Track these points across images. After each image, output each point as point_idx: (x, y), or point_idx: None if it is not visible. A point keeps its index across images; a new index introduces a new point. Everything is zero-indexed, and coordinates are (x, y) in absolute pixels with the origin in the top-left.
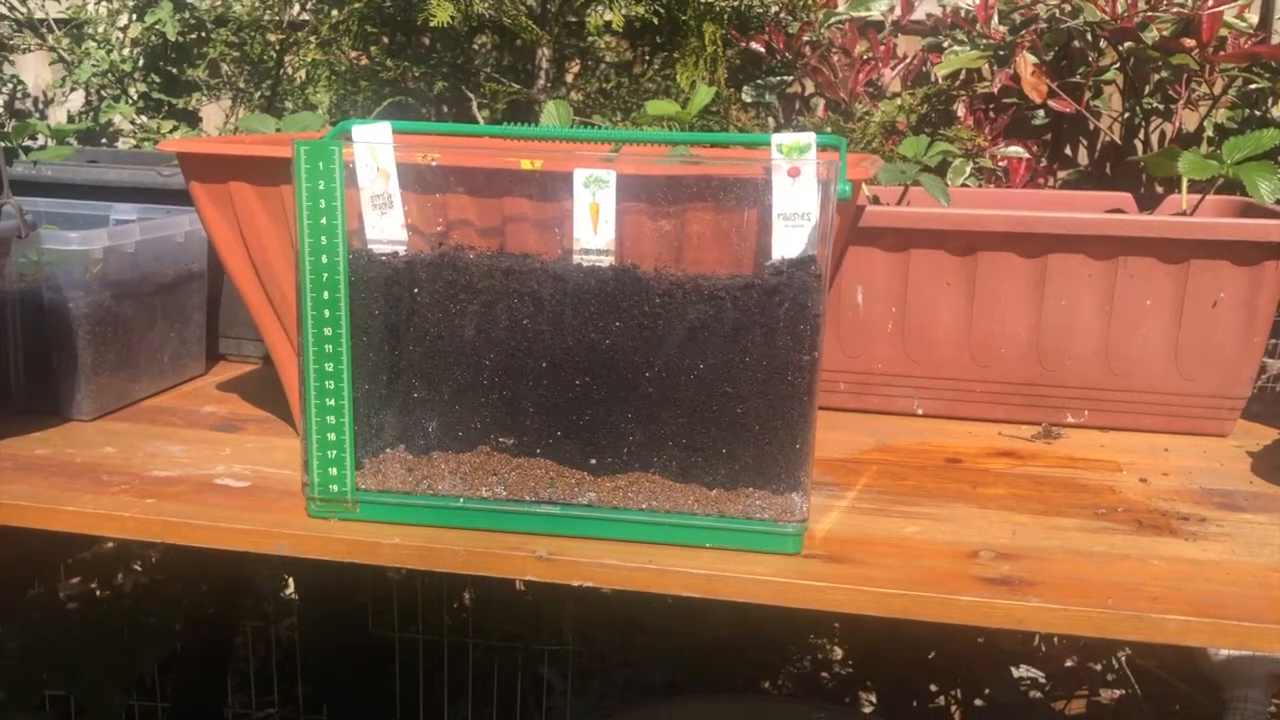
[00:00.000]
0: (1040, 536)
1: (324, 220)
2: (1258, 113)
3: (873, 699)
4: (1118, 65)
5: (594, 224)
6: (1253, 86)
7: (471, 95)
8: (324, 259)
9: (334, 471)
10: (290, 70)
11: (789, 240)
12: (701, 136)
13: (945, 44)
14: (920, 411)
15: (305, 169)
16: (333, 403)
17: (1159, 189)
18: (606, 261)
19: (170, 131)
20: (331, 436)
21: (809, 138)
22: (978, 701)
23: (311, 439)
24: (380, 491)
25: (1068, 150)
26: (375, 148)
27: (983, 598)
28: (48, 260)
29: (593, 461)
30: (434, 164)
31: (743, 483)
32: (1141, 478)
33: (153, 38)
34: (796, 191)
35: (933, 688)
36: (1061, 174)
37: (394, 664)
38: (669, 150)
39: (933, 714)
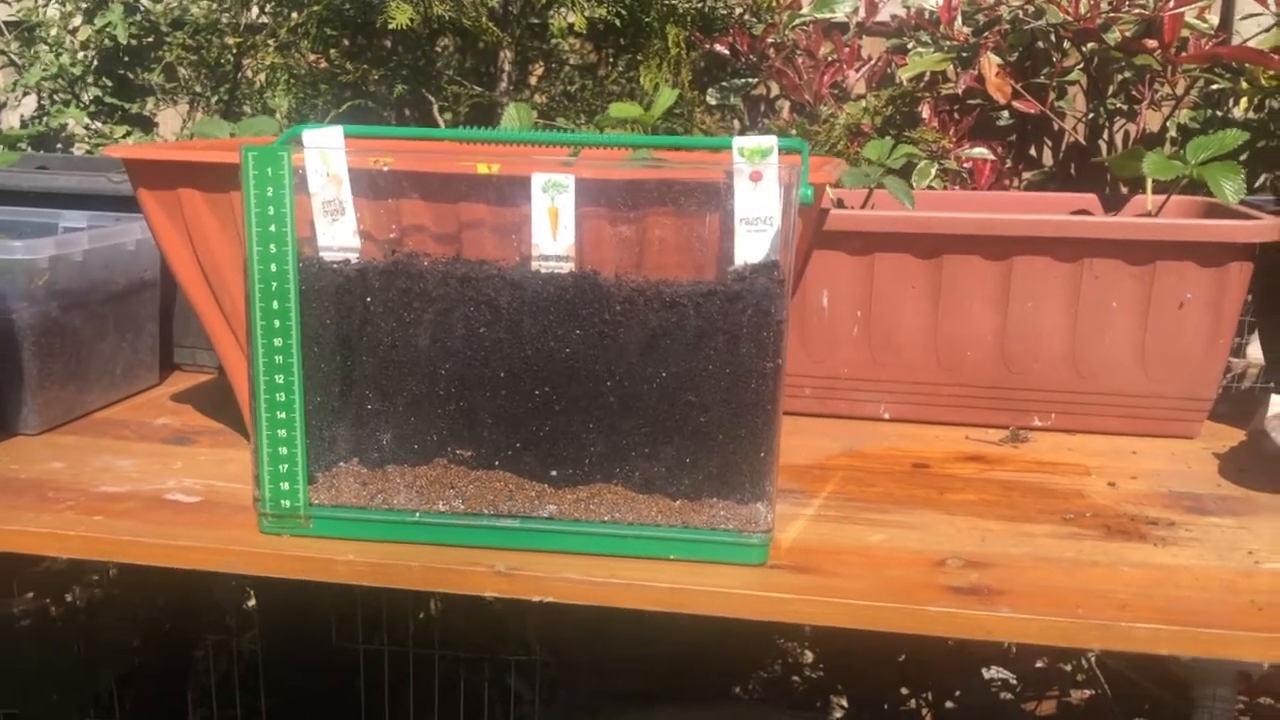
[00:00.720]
0: (1009, 543)
1: (273, 228)
2: (1219, 113)
3: (844, 703)
4: (1081, 66)
5: (553, 230)
6: (1214, 87)
7: (433, 98)
8: (273, 267)
9: (286, 486)
10: (249, 74)
11: (751, 245)
12: (662, 140)
13: (910, 46)
14: (887, 416)
15: (254, 175)
16: (283, 415)
17: (1124, 190)
18: (566, 268)
19: (123, 137)
20: (283, 450)
21: (770, 141)
22: (949, 704)
23: (262, 453)
24: (334, 506)
25: (1032, 151)
26: (326, 153)
27: (951, 608)
28: None
29: (553, 473)
30: (386, 169)
31: (707, 493)
32: (1110, 481)
33: (105, 40)
34: (758, 196)
35: (904, 691)
36: (1026, 175)
37: (358, 676)
38: (630, 154)
39: (904, 717)
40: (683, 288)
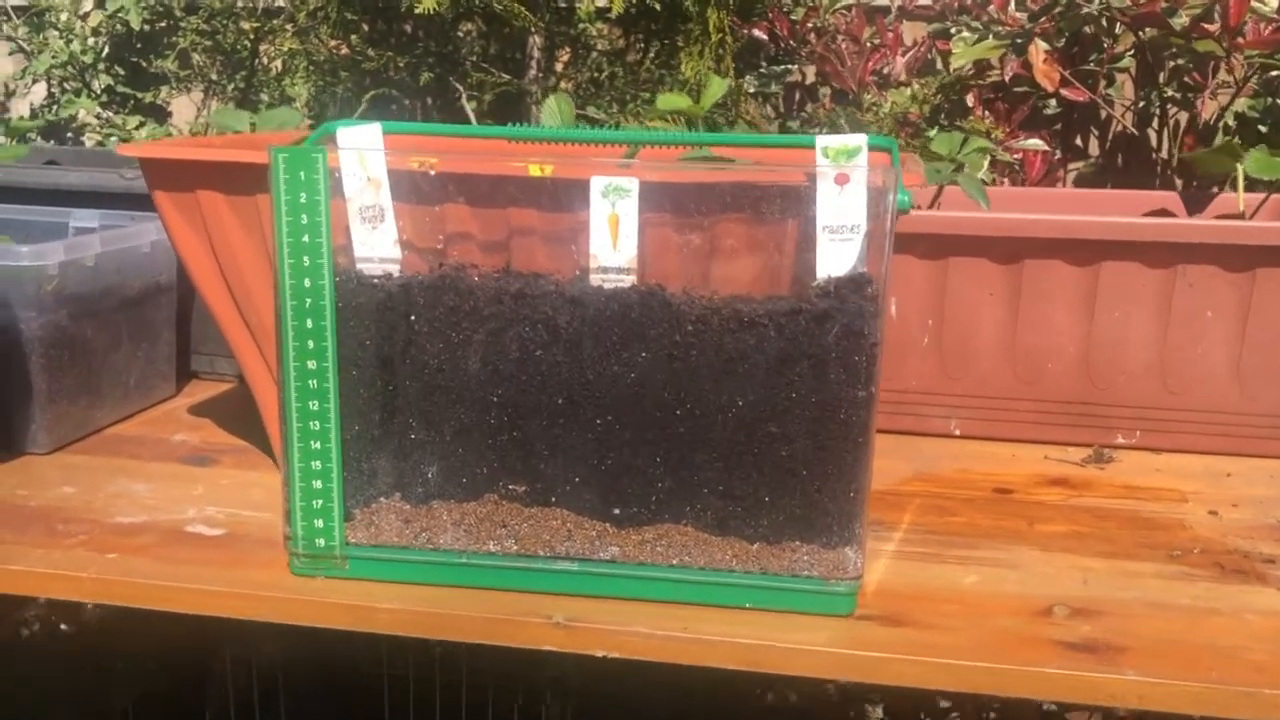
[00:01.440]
0: (1114, 586)
1: (306, 238)
2: (1279, 100)
3: (879, 712)
4: (1133, 52)
5: (613, 239)
6: (1274, 74)
7: (459, 86)
8: (307, 282)
9: (320, 523)
10: (266, 61)
11: (835, 256)
12: (734, 138)
13: (954, 31)
14: (957, 432)
15: (284, 180)
16: (318, 446)
17: (1177, 183)
18: (628, 281)
19: (136, 128)
20: (317, 484)
21: (859, 140)
22: (988, 715)
23: (294, 487)
24: (373, 546)
25: (1078, 141)
26: (364, 154)
27: (1069, 669)
28: None
29: (616, 512)
30: (432, 172)
31: (788, 535)
32: (1210, 509)
33: (116, 26)
34: (844, 201)
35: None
36: (1074, 166)
37: (383, 702)
38: (684, 153)
39: None
40: (762, 305)
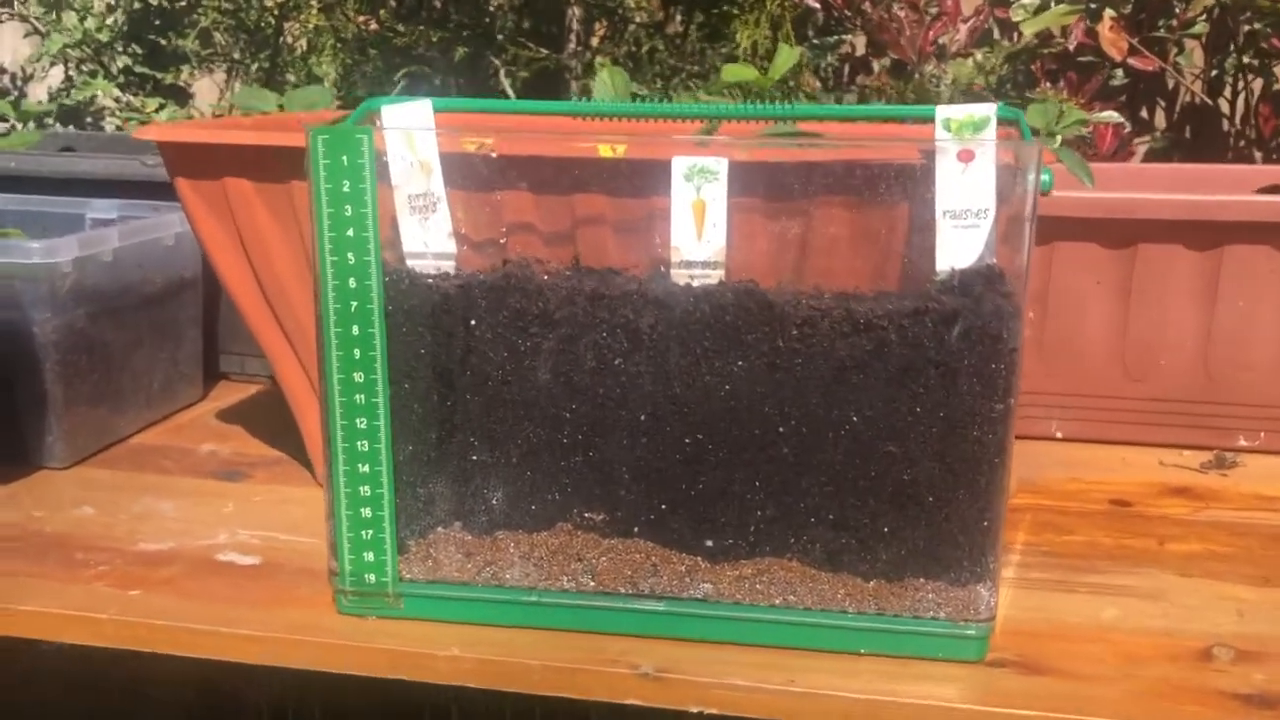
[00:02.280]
0: (1277, 620)
1: (350, 232)
2: None
3: None
4: (1204, 16)
5: (698, 228)
6: None
7: (495, 61)
8: (351, 283)
9: (370, 557)
10: (290, 39)
11: (960, 245)
12: (839, 110)
13: None
14: (1059, 435)
15: (324, 165)
16: (367, 469)
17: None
18: (715, 276)
19: (156, 111)
20: (366, 513)
21: (987, 110)
22: None
23: (340, 516)
24: (431, 582)
25: (1143, 113)
26: (412, 134)
27: None
28: (5, 276)
29: (709, 544)
30: (493, 155)
31: (910, 571)
32: None
33: (134, 3)
34: (969, 181)
35: None
36: (1141, 140)
37: None
38: (765, 128)
39: None
40: (879, 305)
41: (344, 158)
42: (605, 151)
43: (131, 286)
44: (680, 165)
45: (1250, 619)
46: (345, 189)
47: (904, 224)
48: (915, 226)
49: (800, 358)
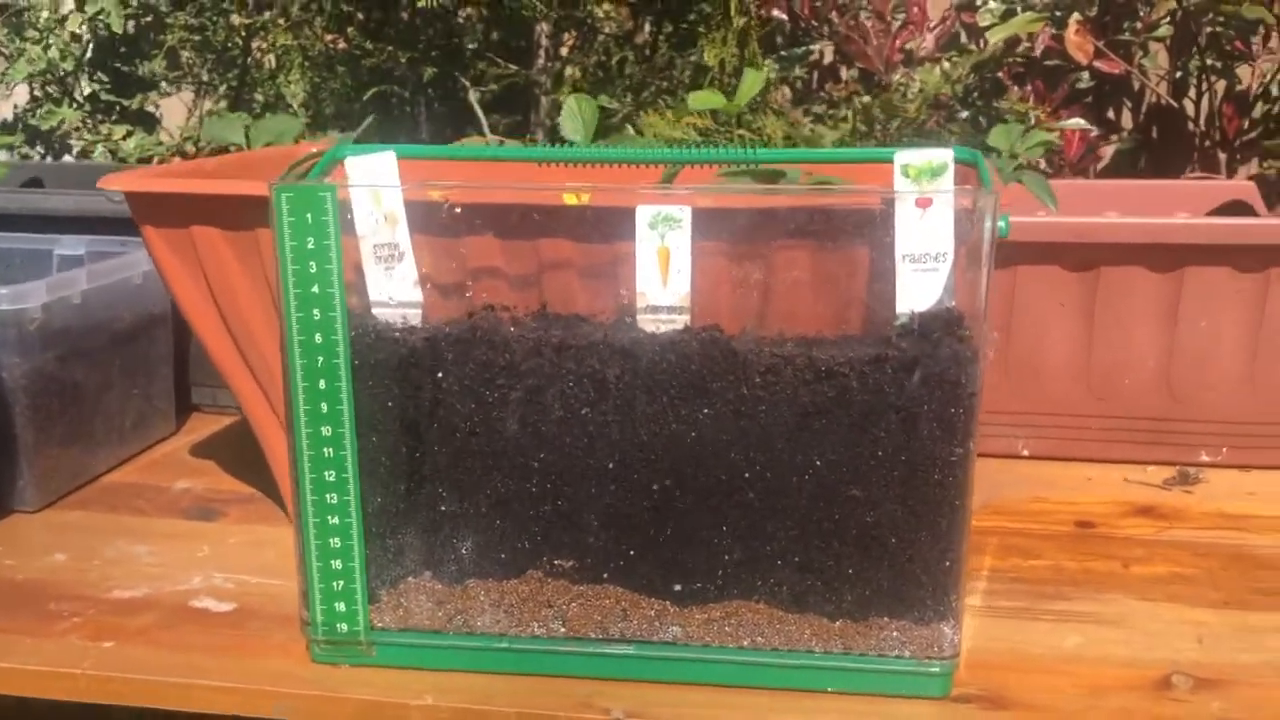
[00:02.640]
0: (1236, 647)
1: (316, 288)
2: None
3: None
4: (1168, 19)
5: (663, 274)
6: None
7: (466, 82)
8: (318, 338)
9: (342, 607)
10: (259, 57)
11: (919, 289)
12: (799, 154)
13: (980, 3)
14: (1026, 453)
15: (288, 222)
16: (336, 521)
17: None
18: (681, 320)
19: (123, 138)
20: (336, 563)
21: (944, 155)
22: None
23: (311, 566)
24: (403, 630)
25: (1109, 114)
26: (379, 191)
27: None
28: None
29: (677, 588)
30: (458, 210)
31: (875, 611)
32: None
33: (98, 29)
34: (927, 225)
35: None
36: (1109, 142)
37: None
38: (720, 170)
39: None
40: (840, 352)
41: (308, 215)
42: (570, 200)
43: (101, 326)
44: (645, 214)
45: (1209, 645)
46: (310, 245)
47: (865, 267)
48: (876, 270)
49: (764, 405)
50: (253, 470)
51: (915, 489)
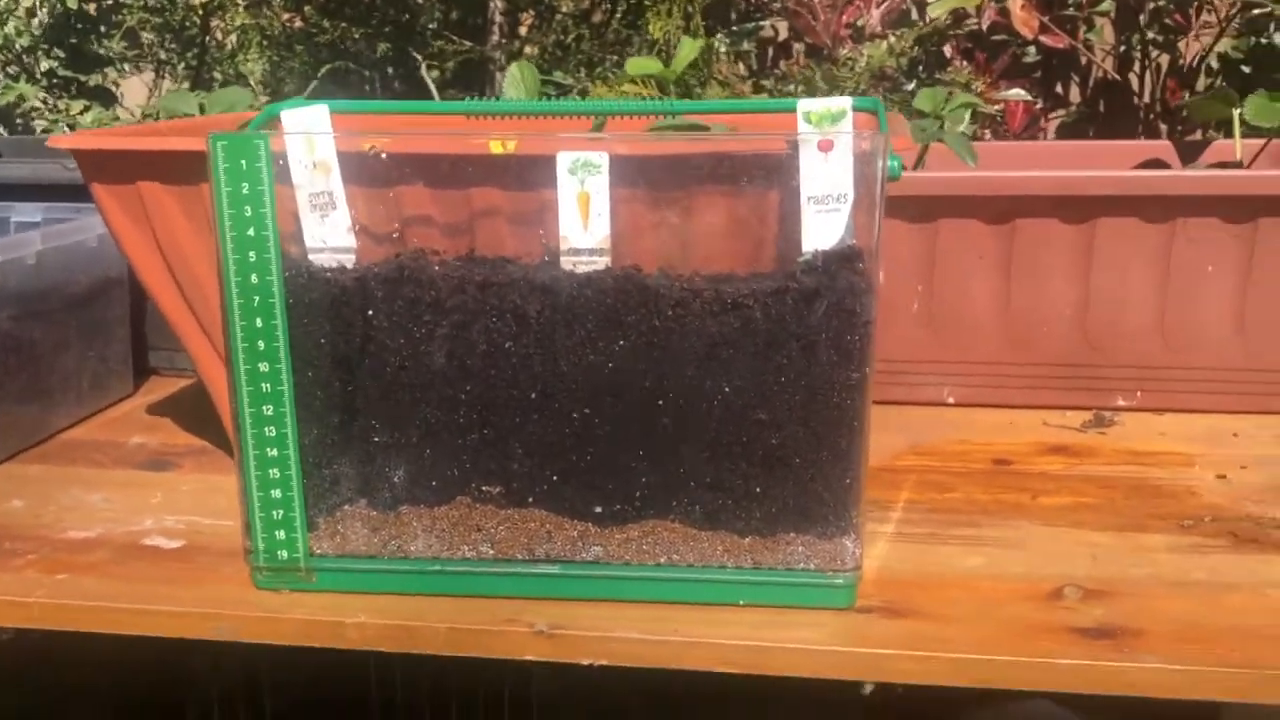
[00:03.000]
0: (1126, 562)
1: (251, 231)
2: (1263, 40)
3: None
4: None
5: (584, 218)
6: (1256, 12)
7: (418, 57)
8: (254, 278)
9: (282, 535)
10: (218, 36)
11: (822, 228)
12: (712, 105)
13: None
14: (951, 401)
15: (224, 169)
16: (275, 453)
17: (1161, 128)
18: (601, 263)
19: (81, 113)
20: (276, 493)
21: (843, 103)
22: None
23: (252, 497)
24: (340, 556)
25: (1058, 89)
26: (312, 137)
27: (1084, 659)
28: None
29: (598, 510)
30: (384, 156)
31: (781, 527)
32: (1219, 474)
33: (57, 5)
34: (830, 169)
35: None
36: (1055, 115)
37: (369, 688)
38: (654, 122)
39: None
40: (746, 285)
41: (243, 161)
42: (496, 148)
43: (57, 288)
44: (564, 159)
45: (1103, 563)
46: (245, 190)
47: (774, 210)
48: (784, 213)
49: (675, 336)
50: (206, 426)
51: (816, 411)
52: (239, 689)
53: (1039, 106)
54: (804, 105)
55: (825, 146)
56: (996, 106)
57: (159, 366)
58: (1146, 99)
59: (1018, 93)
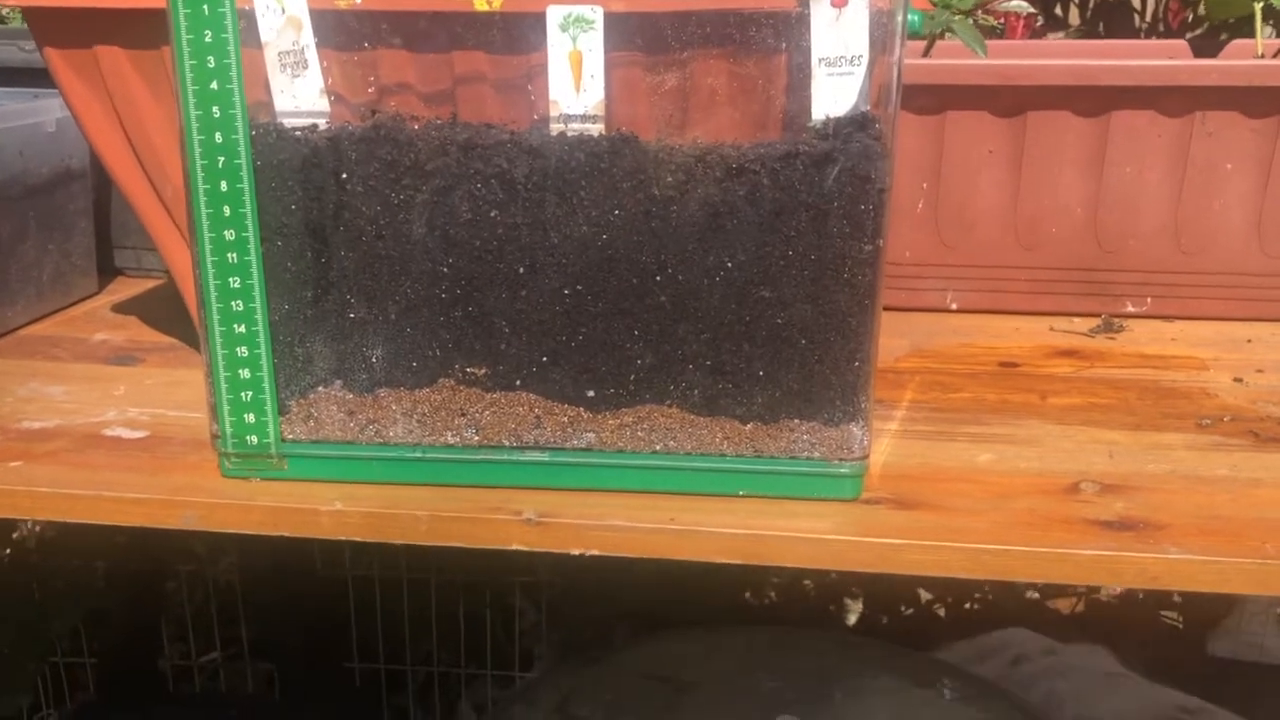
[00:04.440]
0: (1144, 459)
1: (215, 85)
2: None
3: (860, 606)
4: None
5: (576, 81)
6: None
7: None
8: (218, 137)
9: (251, 418)
10: None
11: (835, 92)
12: None
13: None
14: (954, 306)
15: (185, 16)
16: (242, 329)
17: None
18: (595, 130)
19: None
20: (244, 373)
21: None
22: (969, 605)
23: (219, 377)
24: (314, 442)
25: (1058, 11)
26: None
27: (1108, 549)
28: None
29: (590, 393)
30: (357, 3)
31: (785, 413)
32: (1236, 376)
33: None
34: (842, 28)
35: (921, 592)
36: (1055, 35)
37: (348, 602)
38: None
39: (922, 619)
40: (752, 150)
41: (205, 7)
42: (480, 4)
43: (15, 177)
44: (555, 15)
45: (1119, 459)
46: (207, 39)
47: (782, 74)
48: (794, 77)
49: (675, 205)
50: (175, 324)
51: (825, 288)
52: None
53: (1040, 23)
54: None
55: (839, 2)
56: (999, 20)
57: (126, 267)
58: (1149, 20)
59: (1020, 4)
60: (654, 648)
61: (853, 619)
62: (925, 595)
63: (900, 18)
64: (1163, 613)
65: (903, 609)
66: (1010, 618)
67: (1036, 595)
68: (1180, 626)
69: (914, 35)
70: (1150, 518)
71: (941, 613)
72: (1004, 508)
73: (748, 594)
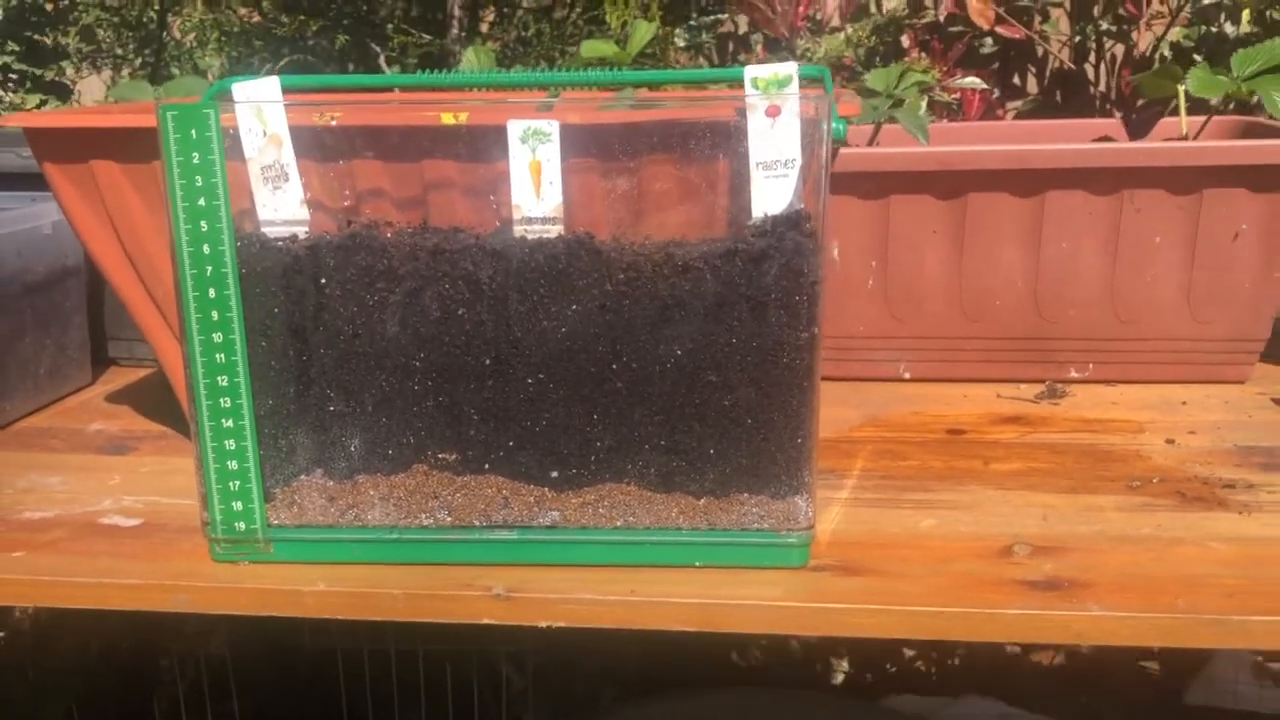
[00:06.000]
0: (1075, 521)
1: (202, 201)
2: (1213, 29)
3: (845, 666)
4: None
5: (536, 187)
6: (1206, 1)
7: (378, 49)
8: (206, 249)
9: (239, 506)
10: (176, 33)
11: (771, 193)
12: (660, 75)
13: None
14: (908, 376)
15: (175, 140)
16: (230, 423)
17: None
18: (555, 230)
19: (37, 106)
20: (232, 464)
21: (789, 69)
22: (953, 661)
23: (209, 468)
24: (298, 527)
25: (1016, 80)
26: (261, 109)
27: (1033, 609)
28: None
29: (554, 474)
30: (334, 123)
31: (735, 488)
32: (1168, 438)
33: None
34: (777, 134)
35: (907, 650)
36: (1013, 105)
37: (338, 675)
38: (612, 96)
39: (909, 677)
40: (696, 249)
41: (193, 131)
42: (448, 119)
43: (13, 276)
44: (516, 129)
45: (1054, 522)
46: (195, 160)
47: (723, 177)
48: (733, 179)
49: (627, 299)
50: (166, 413)
51: (766, 372)
52: (206, 683)
53: (995, 96)
54: (751, 71)
55: (772, 112)
56: (954, 96)
57: (118, 357)
58: (1102, 88)
59: (973, 81)
60: (640, 711)
61: (839, 678)
62: (909, 652)
63: (825, 125)
64: (1141, 662)
65: (888, 666)
66: (992, 673)
67: (1018, 649)
68: (1156, 675)
69: (839, 142)
70: (1077, 577)
71: (923, 668)
72: (942, 571)
73: (733, 654)
